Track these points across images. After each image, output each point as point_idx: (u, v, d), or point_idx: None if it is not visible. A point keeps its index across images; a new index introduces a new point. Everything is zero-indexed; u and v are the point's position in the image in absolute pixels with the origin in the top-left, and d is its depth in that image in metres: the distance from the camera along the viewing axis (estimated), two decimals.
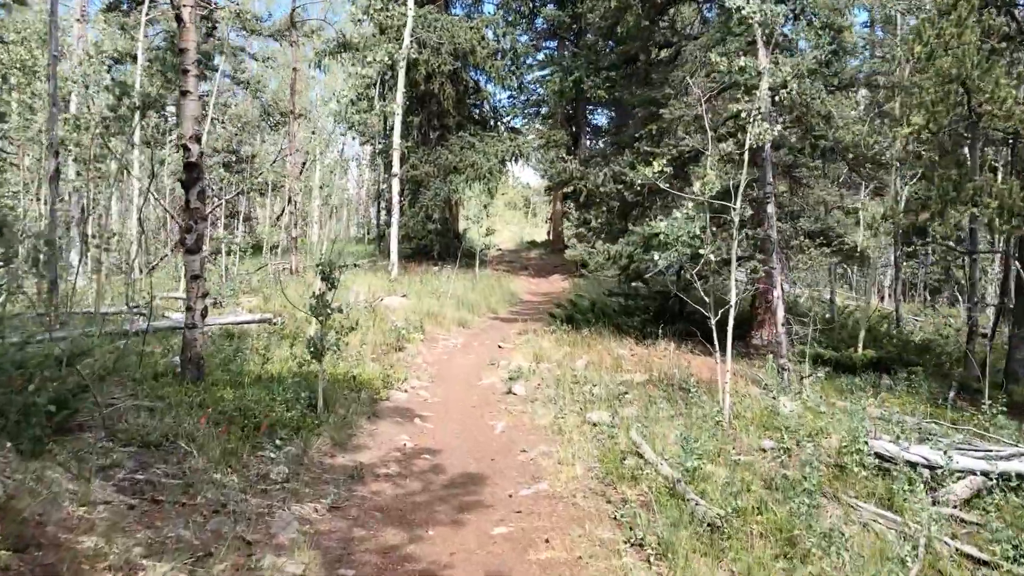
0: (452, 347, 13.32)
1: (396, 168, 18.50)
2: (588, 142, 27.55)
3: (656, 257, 8.31)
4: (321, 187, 45.47)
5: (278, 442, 7.00)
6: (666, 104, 12.03)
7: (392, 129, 18.81)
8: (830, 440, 7.88)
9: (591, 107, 27.06)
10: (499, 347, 13.17)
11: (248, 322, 12.30)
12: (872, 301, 13.57)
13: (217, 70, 26.28)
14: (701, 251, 8.36)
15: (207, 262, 20.48)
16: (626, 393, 9.27)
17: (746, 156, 8.98)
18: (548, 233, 43.26)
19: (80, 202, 18.84)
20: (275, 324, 12.51)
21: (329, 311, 8.08)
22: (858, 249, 13.57)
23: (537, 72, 31.09)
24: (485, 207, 20.90)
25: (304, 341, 8.56)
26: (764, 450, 7.80)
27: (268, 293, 16.43)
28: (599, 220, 13.36)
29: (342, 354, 10.39)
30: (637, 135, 12.50)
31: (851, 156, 12.62)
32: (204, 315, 8.36)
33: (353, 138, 38.19)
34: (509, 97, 28.30)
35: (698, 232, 8.22)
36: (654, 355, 11.55)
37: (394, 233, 18.74)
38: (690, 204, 11.44)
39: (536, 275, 26.30)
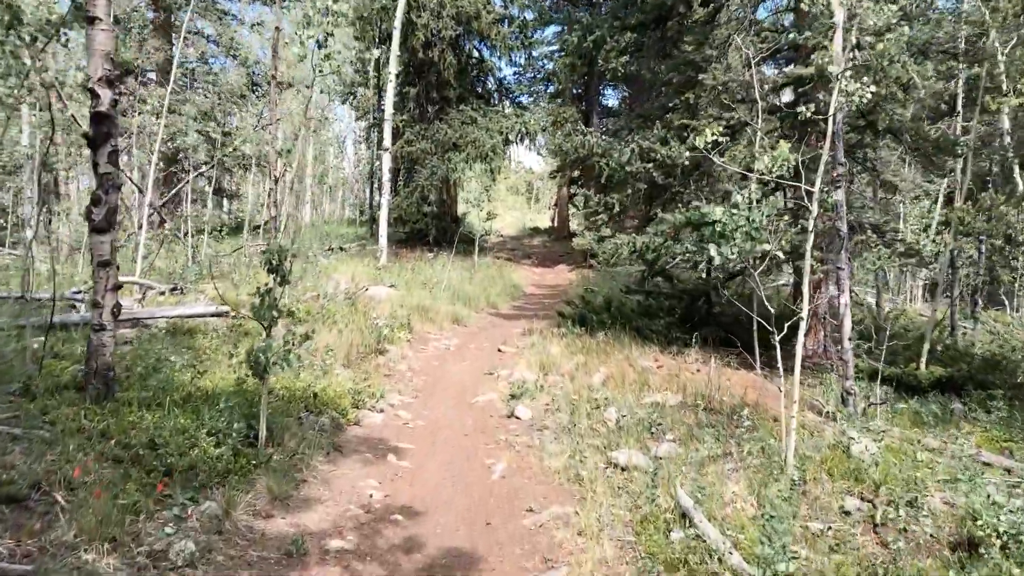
0: (444, 350, 11.36)
1: (388, 142, 16.49)
2: (599, 121, 25.47)
3: (712, 253, 6.33)
4: (315, 159, 43.49)
5: (192, 496, 5.06)
6: (706, 67, 10.03)
7: (385, 97, 16.77)
8: (934, 499, 5.95)
9: (604, 85, 24.94)
10: (499, 351, 11.23)
11: (202, 315, 10.33)
12: (939, 307, 11.68)
13: (194, 32, 24.24)
14: (766, 245, 6.40)
15: (171, 241, 18.54)
16: (659, 422, 7.33)
17: (829, 127, 6.98)
18: (552, 220, 41.25)
19: (34, 168, 16.82)
20: (234, 319, 10.54)
21: (276, 314, 6.09)
22: (920, 245, 11.58)
23: (546, 47, 29.03)
24: (486, 189, 18.91)
25: (247, 350, 6.60)
26: (847, 512, 5.88)
27: (239, 279, 14.46)
28: (619, 205, 11.27)
29: (303, 362, 8.45)
30: (670, 105, 10.50)
31: (912, 135, 10.65)
32: (116, 313, 6.40)
33: (350, 115, 36.09)
34: (515, 74, 26.19)
35: (764, 221, 6.25)
36: (684, 367, 9.59)
37: (383, 215, 16.76)
38: (741, 189, 9.48)
39: (540, 264, 24.34)
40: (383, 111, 16.86)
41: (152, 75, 26.54)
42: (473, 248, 19.72)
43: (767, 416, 7.86)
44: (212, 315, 10.48)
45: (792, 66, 9.18)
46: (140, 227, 14.99)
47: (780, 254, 6.54)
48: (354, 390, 7.96)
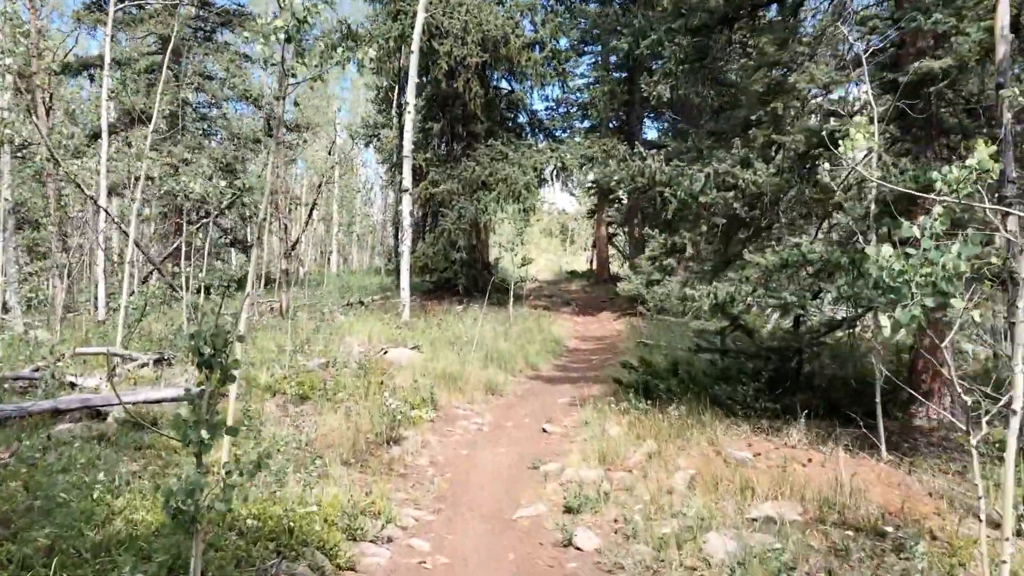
0: (476, 431, 9.16)
1: (407, 181, 14.54)
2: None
3: (884, 322, 4.07)
4: (340, 207, 42.04)
5: None
6: (797, 66, 7.89)
7: (404, 132, 14.86)
8: None
9: (645, 115, 22.93)
10: (544, 431, 9.02)
11: (173, 400, 8.28)
12: None
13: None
14: (958, 301, 4.15)
15: (162, 301, 16.66)
16: (784, 559, 5.03)
17: (1004, 129, 4.78)
18: (590, 262, 39.13)
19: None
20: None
21: (209, 433, 3.94)
22: None
23: (580, 80, 27.25)
24: (520, 231, 16.83)
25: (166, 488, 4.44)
26: None
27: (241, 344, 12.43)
28: (691, 245, 9.04)
29: (289, 466, 6.34)
30: (751, 118, 8.35)
31: None
32: None
33: (377, 159, 34.61)
34: (547, 109, 24.31)
35: (961, 266, 4.03)
36: (790, 455, 7.28)
37: (405, 264, 14.75)
38: (860, 218, 7.23)
39: (581, 312, 22.13)
40: (402, 147, 14.96)
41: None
42: (507, 297, 17.62)
43: (923, 530, 5.57)
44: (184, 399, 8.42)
45: (918, 62, 6.98)
46: (123, 285, 13.13)
47: (976, 316, 4.28)
48: (352, 510, 5.77)
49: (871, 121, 6.92)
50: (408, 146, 14.51)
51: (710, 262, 9.21)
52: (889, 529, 5.61)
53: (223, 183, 19.91)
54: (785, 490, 6.31)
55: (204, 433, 3.88)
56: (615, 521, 6.00)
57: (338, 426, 8.24)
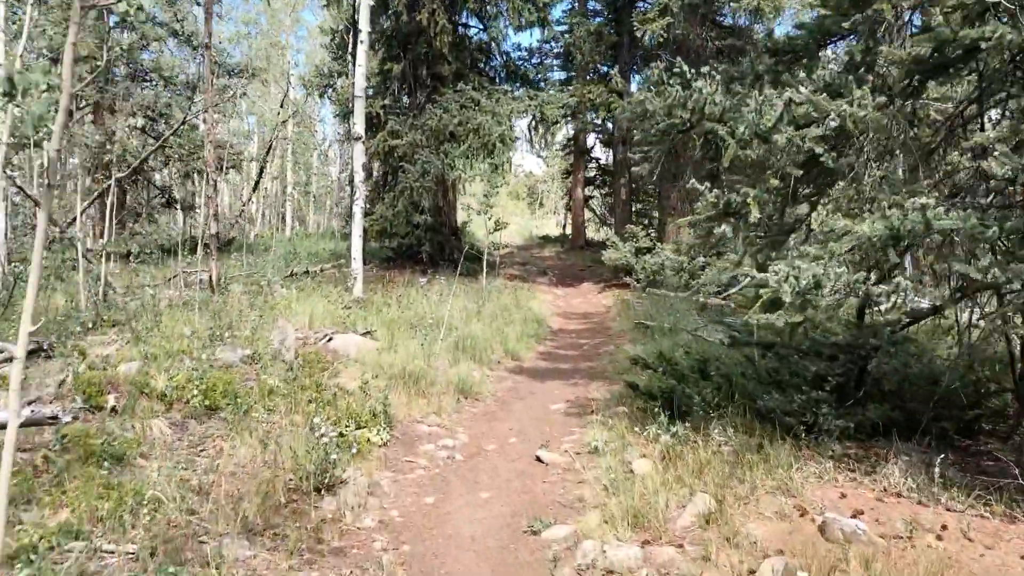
0: (445, 463, 6.67)
1: (359, 127, 11.84)
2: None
3: None
4: (296, 165, 39.08)
5: None
6: None
7: (355, 67, 12.06)
8: None
9: (637, 60, 20.22)
10: (539, 460, 6.60)
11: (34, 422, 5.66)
12: None
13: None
14: None
15: (64, 270, 13.89)
16: None
17: None
18: (563, 227, 36.76)
19: None
20: (79, 424, 5.90)
21: None
22: None
23: (559, 28, 24.52)
24: (494, 191, 14.28)
25: None
26: None
27: (142, 329, 9.85)
28: (757, 205, 6.51)
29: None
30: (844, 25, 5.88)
31: None
32: None
33: (332, 114, 31.57)
34: (521, 59, 21.53)
35: None
36: (909, 515, 4.96)
37: (357, 228, 12.13)
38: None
39: (560, 283, 19.72)
40: (354, 87, 12.21)
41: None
42: (478, 267, 15.10)
43: None
44: (31, 424, 5.84)
45: None
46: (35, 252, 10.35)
47: None
48: None
49: None
50: (360, 83, 11.79)
51: (764, 229, 6.81)
52: None
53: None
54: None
55: None
56: None
57: (250, 460, 5.78)
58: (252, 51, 37.43)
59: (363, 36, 11.62)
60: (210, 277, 14.26)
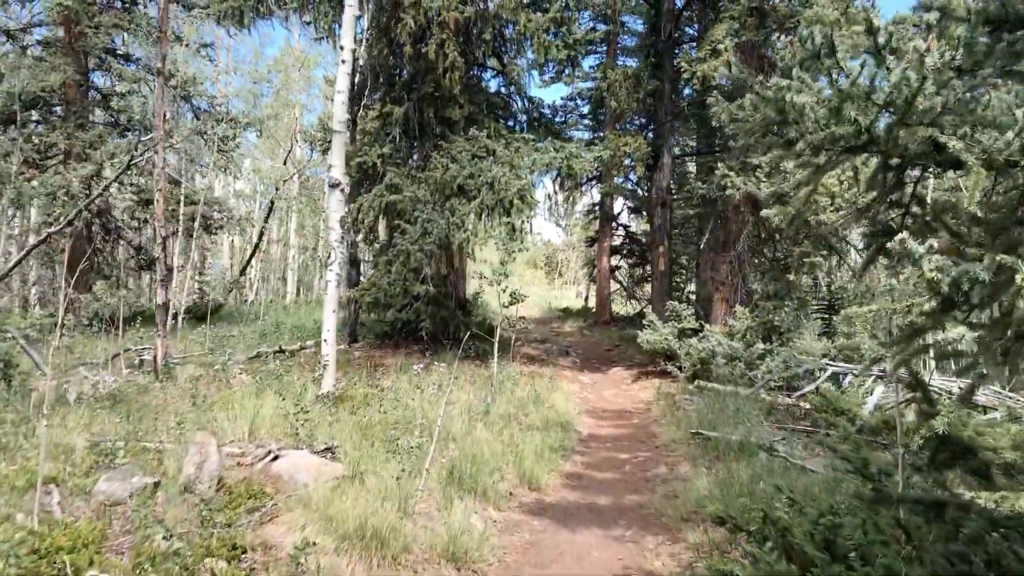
0: None
1: (336, 170, 9.05)
2: (673, 162, 18.13)
3: None
4: (301, 225, 36.80)
5: None
6: None
7: (336, 93, 9.29)
8: None
9: (678, 107, 17.54)
10: None
11: None
12: None
13: None
14: None
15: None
16: None
17: None
18: (584, 298, 33.96)
19: None
20: None
21: None
22: None
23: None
24: (510, 256, 11.53)
25: None
26: None
27: (8, 440, 7.06)
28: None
29: None
30: None
31: None
32: None
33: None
34: (548, 106, 18.90)
35: None
36: None
37: (330, 301, 9.28)
38: None
39: (585, 367, 16.76)
40: (335, 117, 9.50)
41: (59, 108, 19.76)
42: (489, 347, 12.20)
43: None
44: None
45: None
46: None
47: None
48: None
49: None
50: (340, 114, 9.12)
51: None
52: None
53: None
54: None
55: None
56: None
57: None
58: (262, 111, 35.39)
59: (345, 54, 9.01)
60: (154, 357, 11.50)
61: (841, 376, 11.89)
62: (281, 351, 13.16)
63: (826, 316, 15.25)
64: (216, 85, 35.80)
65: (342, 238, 9.35)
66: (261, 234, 33.01)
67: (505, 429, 9.13)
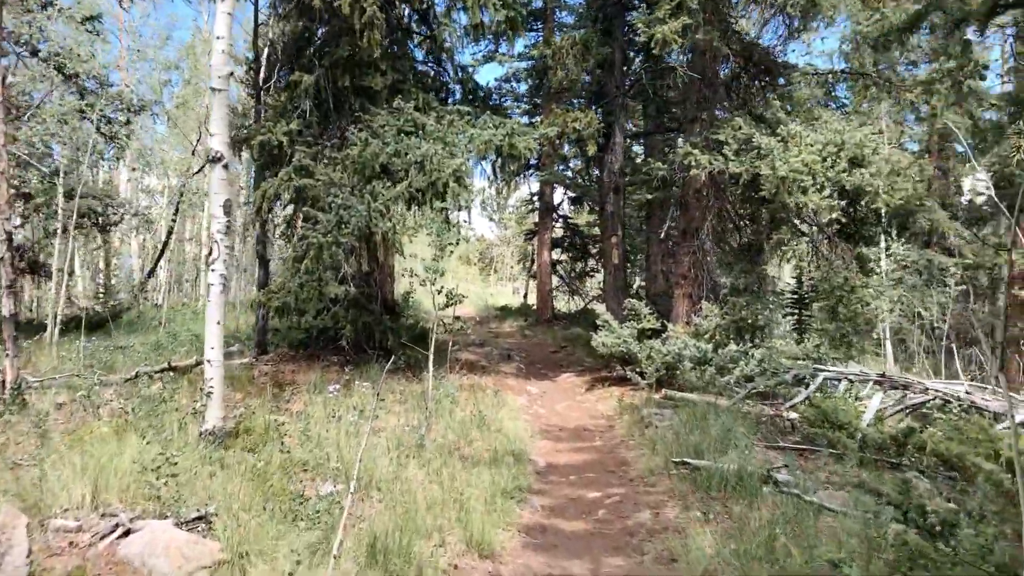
0: None
1: (217, 139, 6.87)
2: (626, 141, 16.31)
3: None
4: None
5: None
6: None
7: (214, 39, 7.11)
8: None
9: (632, 78, 15.58)
10: None
11: None
12: None
13: None
14: None
15: None
16: None
17: None
18: (523, 295, 32.21)
19: None
20: None
21: None
22: None
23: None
24: (446, 248, 9.57)
25: None
26: None
27: None
28: None
29: None
30: None
31: None
32: None
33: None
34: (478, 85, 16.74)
35: None
36: None
37: (213, 309, 7.16)
38: None
39: (531, 373, 14.92)
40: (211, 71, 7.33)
41: None
42: (422, 355, 10.17)
43: None
44: None
45: None
46: None
47: None
48: None
49: None
50: (221, 65, 6.91)
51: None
52: None
53: None
54: None
55: None
56: None
57: None
58: (172, 100, 32.22)
59: None
60: (2, 381, 9.17)
61: (832, 382, 10.32)
62: (170, 368, 10.91)
63: (795, 311, 13.74)
64: (120, 72, 32.64)
65: (227, 228, 7.23)
66: (170, 232, 30.15)
67: (444, 467, 7.18)
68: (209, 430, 7.06)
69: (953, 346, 17.22)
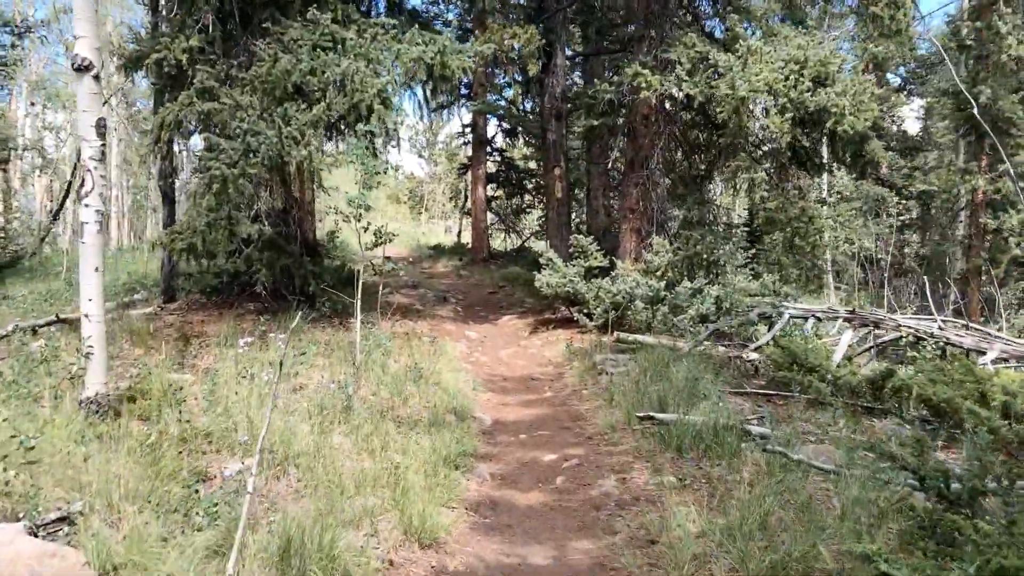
0: None
1: (84, 43, 5.56)
2: (568, 63, 15.13)
3: None
4: (123, 164, 31.79)
5: None
6: None
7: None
8: None
9: None
10: None
11: None
12: None
13: None
14: None
15: None
16: None
17: None
18: (457, 234, 31.02)
19: None
20: None
21: None
22: None
23: None
24: (372, 178, 8.35)
25: None
26: None
27: None
28: None
29: None
30: None
31: None
32: None
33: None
34: None
35: None
36: None
37: (89, 253, 5.90)
38: None
39: (469, 316, 13.92)
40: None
41: None
42: (350, 299, 8.98)
43: None
44: None
45: None
46: None
47: None
48: None
49: None
50: None
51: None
52: None
53: None
54: None
55: None
56: None
57: None
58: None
59: None
60: None
61: (798, 320, 9.59)
62: (60, 321, 9.51)
63: (749, 244, 13.00)
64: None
65: (102, 154, 5.90)
66: (73, 173, 27.81)
67: (376, 433, 6.14)
68: (90, 398, 5.84)
69: (886, 278, 16.85)
